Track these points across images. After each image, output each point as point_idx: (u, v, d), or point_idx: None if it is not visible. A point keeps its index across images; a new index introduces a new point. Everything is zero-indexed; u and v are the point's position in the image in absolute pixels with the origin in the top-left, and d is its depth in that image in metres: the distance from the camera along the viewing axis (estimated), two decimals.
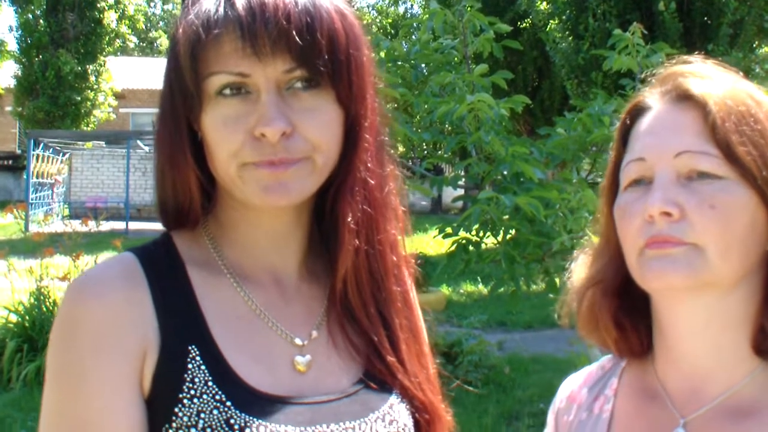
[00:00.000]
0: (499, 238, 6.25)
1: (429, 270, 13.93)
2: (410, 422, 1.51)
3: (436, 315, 12.34)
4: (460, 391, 8.79)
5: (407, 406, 1.52)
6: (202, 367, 1.36)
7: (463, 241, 6.41)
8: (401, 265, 1.61)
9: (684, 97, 1.43)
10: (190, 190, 1.45)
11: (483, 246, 6.50)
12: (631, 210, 1.42)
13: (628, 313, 1.54)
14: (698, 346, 1.45)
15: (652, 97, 1.49)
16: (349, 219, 1.48)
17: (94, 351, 1.33)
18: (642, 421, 1.52)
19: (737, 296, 1.41)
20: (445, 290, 15.49)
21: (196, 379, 1.35)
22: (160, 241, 1.51)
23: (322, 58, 1.36)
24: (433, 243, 18.35)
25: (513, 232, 6.19)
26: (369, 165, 1.50)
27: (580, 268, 1.62)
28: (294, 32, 1.33)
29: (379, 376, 1.50)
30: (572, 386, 1.71)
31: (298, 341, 1.48)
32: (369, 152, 1.50)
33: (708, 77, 1.44)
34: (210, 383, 1.35)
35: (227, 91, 1.36)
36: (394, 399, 1.50)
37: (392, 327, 1.56)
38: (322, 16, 1.37)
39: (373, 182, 1.51)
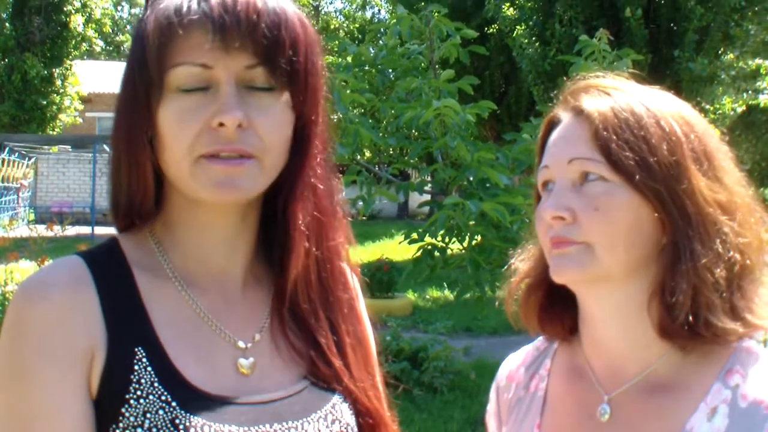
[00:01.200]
0: (465, 243, 6.26)
1: (395, 275, 13.96)
2: (353, 422, 1.54)
3: (402, 321, 12.37)
4: (426, 396, 8.79)
5: (350, 407, 1.55)
6: (149, 368, 1.38)
7: (429, 247, 6.42)
8: (346, 274, 1.66)
9: (579, 111, 1.59)
10: (145, 181, 1.47)
11: (449, 252, 6.51)
12: (539, 214, 1.60)
13: (558, 301, 1.69)
14: (610, 330, 1.61)
15: (563, 111, 1.64)
16: (300, 221, 1.51)
17: (41, 352, 1.35)
18: (572, 398, 1.68)
19: (636, 287, 1.55)
20: (411, 296, 15.50)
21: (143, 380, 1.37)
22: (107, 245, 1.53)
23: (284, 58, 1.41)
24: (399, 248, 18.35)
25: (478, 237, 6.21)
26: (318, 171, 1.55)
27: (520, 262, 1.78)
28: (262, 27, 1.38)
29: (323, 379, 1.54)
30: (511, 366, 1.88)
31: (241, 344, 1.50)
32: (318, 159, 1.55)
33: (604, 91, 1.60)
34: (156, 384, 1.37)
35: (189, 86, 1.39)
36: (337, 399, 1.53)
37: (339, 332, 1.61)
38: (288, 19, 1.42)
39: (322, 190, 1.56)
